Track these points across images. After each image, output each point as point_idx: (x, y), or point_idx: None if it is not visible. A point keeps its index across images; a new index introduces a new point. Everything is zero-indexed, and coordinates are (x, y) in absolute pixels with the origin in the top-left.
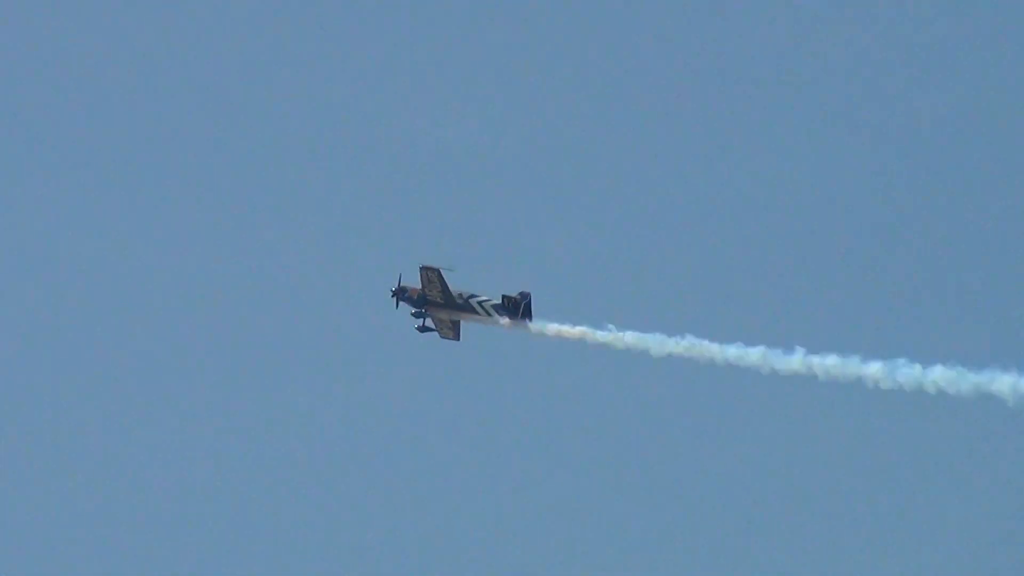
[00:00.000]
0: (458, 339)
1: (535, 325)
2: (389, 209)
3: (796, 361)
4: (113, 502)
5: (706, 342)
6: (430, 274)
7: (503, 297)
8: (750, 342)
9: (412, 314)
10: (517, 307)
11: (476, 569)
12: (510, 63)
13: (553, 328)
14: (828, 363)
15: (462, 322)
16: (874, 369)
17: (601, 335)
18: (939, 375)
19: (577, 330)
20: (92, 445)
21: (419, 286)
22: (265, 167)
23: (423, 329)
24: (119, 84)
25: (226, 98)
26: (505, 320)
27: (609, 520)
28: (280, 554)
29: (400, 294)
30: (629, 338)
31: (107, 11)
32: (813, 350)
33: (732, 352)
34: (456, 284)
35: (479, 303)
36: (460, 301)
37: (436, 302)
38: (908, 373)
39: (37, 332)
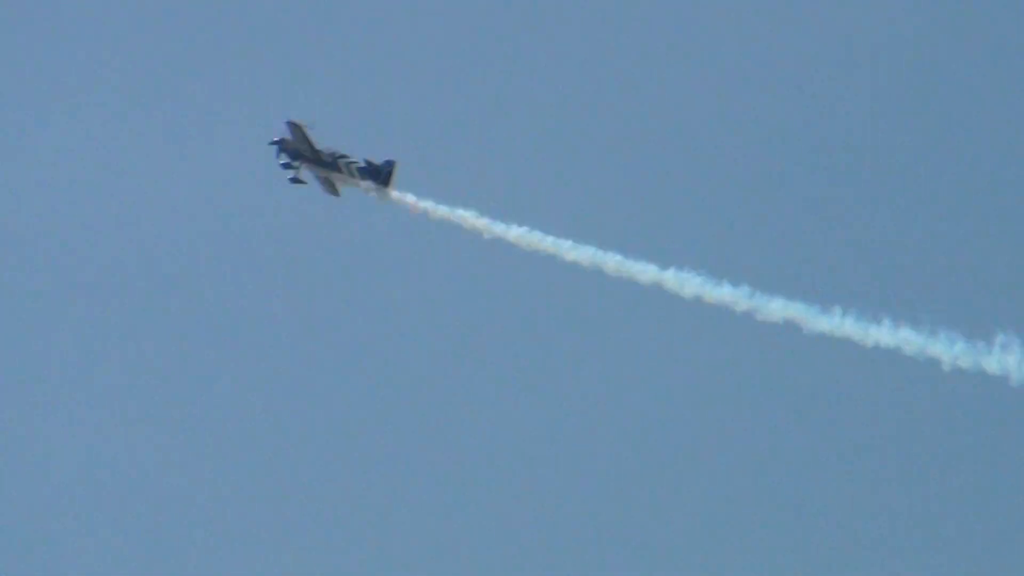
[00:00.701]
0: (338, 195)
1: (395, 193)
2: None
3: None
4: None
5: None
6: (295, 129)
7: (366, 161)
8: (604, 246)
9: (281, 165)
10: (379, 173)
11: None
12: None
13: (412, 200)
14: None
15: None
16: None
17: (459, 214)
18: None
19: (436, 207)
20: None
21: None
22: None
23: (295, 181)
24: None
25: None
26: (367, 183)
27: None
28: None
29: (279, 144)
30: (484, 223)
31: None
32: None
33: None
34: (330, 142)
35: (346, 164)
36: (328, 159)
37: (307, 156)
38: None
39: None
